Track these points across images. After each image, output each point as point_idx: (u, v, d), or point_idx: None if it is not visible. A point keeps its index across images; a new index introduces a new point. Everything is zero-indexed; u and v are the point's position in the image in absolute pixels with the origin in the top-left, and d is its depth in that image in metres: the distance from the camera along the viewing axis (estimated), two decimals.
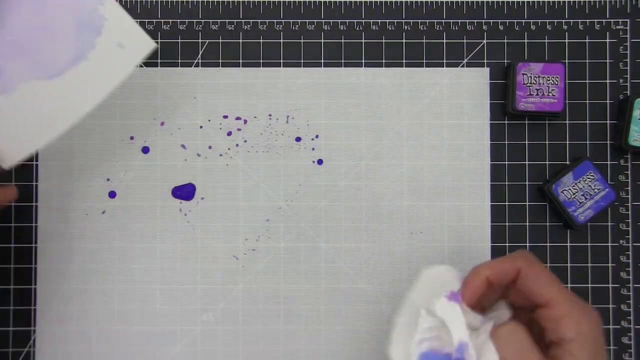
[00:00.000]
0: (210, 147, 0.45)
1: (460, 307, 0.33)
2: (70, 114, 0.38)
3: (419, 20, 0.46)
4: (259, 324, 0.44)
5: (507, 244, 0.45)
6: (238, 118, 0.45)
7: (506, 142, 0.45)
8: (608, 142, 0.45)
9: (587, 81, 0.45)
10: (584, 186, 0.43)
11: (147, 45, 0.39)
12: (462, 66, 0.45)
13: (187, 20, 0.45)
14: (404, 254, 0.45)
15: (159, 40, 0.45)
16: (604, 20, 0.46)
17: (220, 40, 0.45)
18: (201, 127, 0.45)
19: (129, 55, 0.38)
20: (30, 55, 0.37)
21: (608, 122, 0.45)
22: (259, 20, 0.45)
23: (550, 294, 0.33)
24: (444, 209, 0.45)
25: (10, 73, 0.37)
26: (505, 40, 0.46)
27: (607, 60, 0.45)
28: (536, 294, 0.33)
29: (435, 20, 0.46)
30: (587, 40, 0.45)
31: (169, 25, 0.45)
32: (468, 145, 0.45)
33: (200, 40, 0.45)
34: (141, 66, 0.45)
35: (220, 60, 0.45)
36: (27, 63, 0.37)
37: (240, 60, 0.45)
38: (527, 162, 0.45)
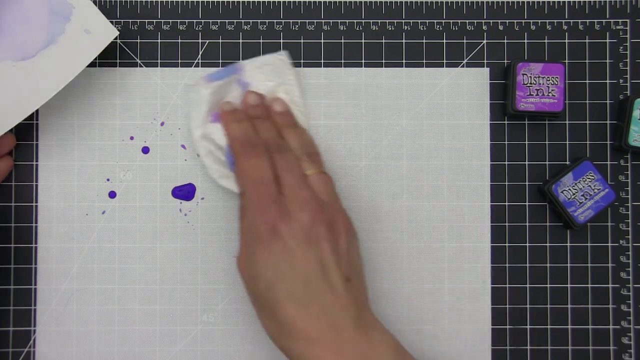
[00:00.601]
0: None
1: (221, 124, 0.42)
2: (41, 94, 0.41)
3: (419, 20, 0.46)
4: (259, 324, 0.44)
5: (507, 244, 0.45)
6: None
7: (506, 142, 0.45)
8: (608, 142, 0.45)
9: (587, 81, 0.45)
10: (584, 186, 0.43)
11: (111, 32, 0.41)
12: (462, 66, 0.45)
13: (187, 20, 0.45)
14: (403, 254, 0.45)
15: (158, 41, 0.45)
16: (604, 20, 0.46)
17: (220, 40, 0.45)
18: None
19: (94, 40, 0.41)
20: (5, 38, 0.40)
21: (608, 122, 0.45)
22: (259, 20, 0.45)
23: None
24: (444, 209, 0.45)
25: None
26: (505, 40, 0.46)
27: (607, 60, 0.45)
28: None
29: (435, 20, 0.46)
30: (587, 41, 0.45)
31: (169, 25, 0.45)
32: (468, 145, 0.45)
33: (200, 41, 0.45)
34: (141, 66, 0.45)
35: (220, 61, 0.45)
36: (4, 45, 0.40)
37: (240, 61, 0.45)
38: (527, 162, 0.45)
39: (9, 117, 0.40)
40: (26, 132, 0.44)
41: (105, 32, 0.41)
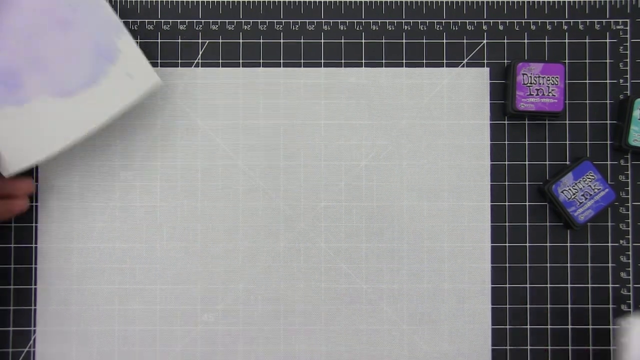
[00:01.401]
0: (210, 147, 0.45)
1: None
2: (75, 131, 0.41)
3: (419, 20, 0.46)
4: (259, 324, 0.44)
5: (507, 244, 0.45)
6: (238, 118, 0.45)
7: (506, 142, 0.45)
8: (608, 142, 0.45)
9: (587, 81, 0.45)
10: (584, 186, 0.43)
11: (153, 79, 0.42)
12: (462, 66, 0.45)
13: (187, 20, 0.45)
14: (403, 254, 0.45)
15: (158, 41, 0.45)
16: (604, 20, 0.46)
17: (220, 40, 0.45)
18: (201, 127, 0.45)
19: (135, 85, 0.41)
20: (49, 73, 0.40)
21: (608, 122, 0.45)
22: (259, 20, 0.45)
23: None
24: (444, 209, 0.45)
25: (29, 86, 0.40)
26: (505, 40, 0.46)
27: (607, 60, 0.45)
28: None
29: (435, 20, 0.46)
30: (587, 40, 0.45)
31: (169, 25, 0.45)
32: (468, 145, 0.45)
33: (200, 40, 0.45)
34: None
35: (220, 60, 0.45)
36: (46, 80, 0.40)
37: (240, 60, 0.45)
38: (527, 162, 0.45)
39: (38, 151, 0.40)
40: None
41: (147, 78, 0.42)
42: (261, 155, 0.45)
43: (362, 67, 0.45)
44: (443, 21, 0.46)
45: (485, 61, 0.45)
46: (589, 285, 0.45)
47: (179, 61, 0.45)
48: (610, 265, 0.45)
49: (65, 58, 0.40)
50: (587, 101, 0.45)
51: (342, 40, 0.45)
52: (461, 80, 0.45)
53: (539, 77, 0.43)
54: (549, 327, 0.45)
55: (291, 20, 0.45)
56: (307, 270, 0.45)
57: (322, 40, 0.45)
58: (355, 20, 0.46)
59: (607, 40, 0.45)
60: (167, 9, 0.45)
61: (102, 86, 0.41)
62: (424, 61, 0.45)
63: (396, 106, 0.45)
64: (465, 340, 0.44)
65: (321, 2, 0.46)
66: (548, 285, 0.45)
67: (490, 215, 0.45)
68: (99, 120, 0.41)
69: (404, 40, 0.45)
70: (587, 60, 0.45)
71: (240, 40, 0.45)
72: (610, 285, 0.45)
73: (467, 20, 0.46)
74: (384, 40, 0.45)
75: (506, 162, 0.45)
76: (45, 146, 0.41)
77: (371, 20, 0.46)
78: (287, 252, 0.45)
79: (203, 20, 0.45)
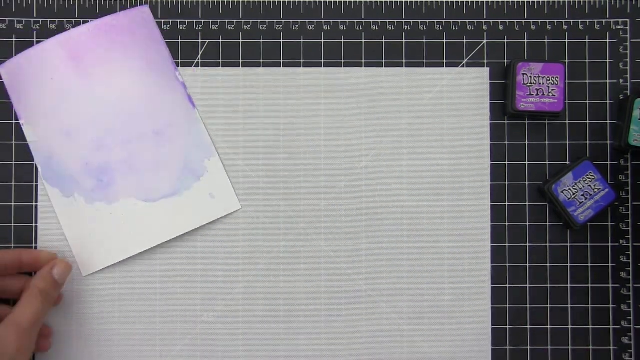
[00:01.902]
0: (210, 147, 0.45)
1: None
2: (152, 238, 0.43)
3: (419, 20, 0.46)
4: (259, 324, 0.44)
5: (507, 244, 0.45)
6: (238, 118, 0.45)
7: (506, 142, 0.45)
8: (608, 142, 0.45)
9: (587, 81, 0.45)
10: (584, 186, 0.43)
11: (234, 205, 0.44)
12: (462, 66, 0.45)
13: (187, 20, 0.45)
14: (404, 254, 0.45)
15: None
16: (604, 20, 0.46)
17: (220, 40, 0.45)
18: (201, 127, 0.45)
19: (215, 206, 0.43)
20: (139, 178, 0.42)
21: (608, 122, 0.45)
22: (259, 20, 0.45)
23: None
24: (444, 209, 0.45)
25: (120, 187, 0.43)
26: (505, 40, 0.46)
27: (607, 60, 0.45)
28: None
29: (435, 20, 0.46)
30: (587, 40, 0.45)
31: (169, 25, 0.45)
32: (468, 145, 0.45)
33: (200, 40, 0.45)
34: None
35: (220, 60, 0.45)
36: (134, 183, 0.43)
37: (240, 60, 0.45)
38: (527, 162, 0.45)
39: (115, 253, 0.43)
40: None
41: (229, 204, 0.44)
42: (261, 155, 0.45)
43: (362, 67, 0.45)
44: (443, 21, 0.46)
45: (485, 61, 0.45)
46: (589, 285, 0.45)
47: (179, 61, 0.45)
48: (610, 265, 0.45)
49: (156, 166, 0.43)
50: (587, 101, 0.45)
51: (342, 40, 0.45)
52: (461, 80, 0.45)
53: (539, 77, 0.43)
54: (549, 327, 0.45)
55: (291, 20, 0.45)
56: (307, 270, 0.45)
57: (322, 40, 0.45)
58: (355, 20, 0.46)
59: (607, 40, 0.45)
60: (168, 9, 0.45)
61: (183, 198, 0.43)
62: (424, 61, 0.45)
63: (396, 106, 0.45)
64: (465, 340, 0.44)
65: (321, 2, 0.46)
66: (548, 285, 0.45)
67: (490, 215, 0.45)
68: (175, 233, 0.43)
69: (404, 40, 0.45)
70: (587, 60, 0.45)
71: (240, 40, 0.45)
72: (610, 285, 0.45)
73: (467, 20, 0.46)
74: (384, 40, 0.45)
75: (506, 162, 0.45)
76: (124, 249, 0.43)
77: (371, 20, 0.46)
78: (287, 252, 0.45)
79: (203, 20, 0.45)
